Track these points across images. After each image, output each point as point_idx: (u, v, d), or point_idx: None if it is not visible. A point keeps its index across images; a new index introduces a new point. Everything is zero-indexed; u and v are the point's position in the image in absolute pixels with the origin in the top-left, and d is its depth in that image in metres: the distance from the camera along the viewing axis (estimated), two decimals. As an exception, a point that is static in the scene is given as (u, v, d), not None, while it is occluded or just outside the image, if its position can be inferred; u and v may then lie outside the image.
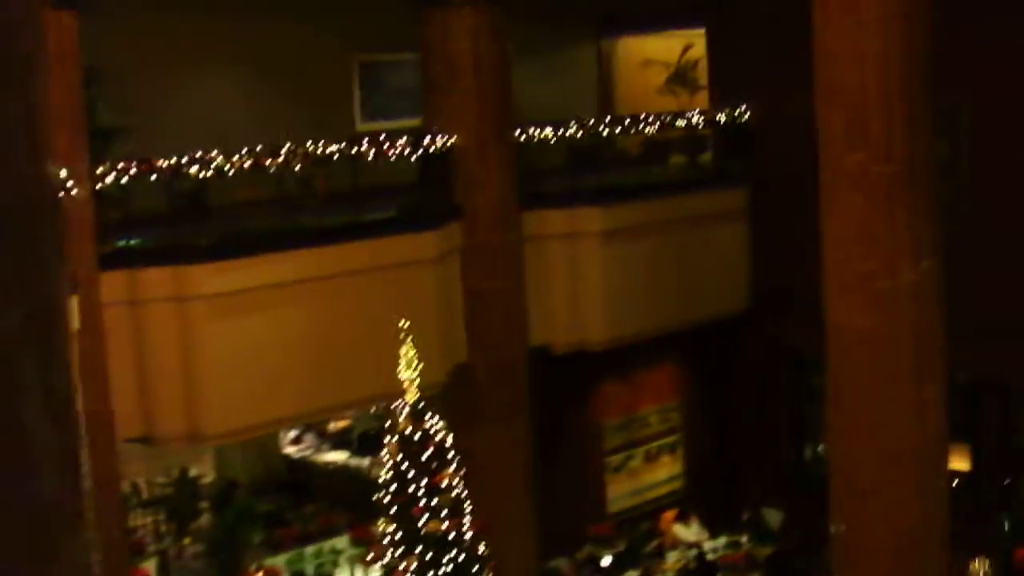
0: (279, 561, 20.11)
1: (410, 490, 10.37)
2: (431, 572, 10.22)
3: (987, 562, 16.86)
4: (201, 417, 15.90)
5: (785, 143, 19.51)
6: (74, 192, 13.71)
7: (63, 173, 13.37)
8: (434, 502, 10.35)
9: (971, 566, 16.69)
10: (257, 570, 19.71)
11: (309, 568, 19.93)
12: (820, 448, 21.14)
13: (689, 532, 20.35)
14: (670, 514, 20.91)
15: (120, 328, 15.17)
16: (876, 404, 13.89)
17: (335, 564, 20.06)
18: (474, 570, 10.48)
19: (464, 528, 10.50)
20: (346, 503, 22.36)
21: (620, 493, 21.56)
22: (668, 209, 20.30)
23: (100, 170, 15.02)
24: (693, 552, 19.78)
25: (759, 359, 21.57)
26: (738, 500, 21.36)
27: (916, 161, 13.54)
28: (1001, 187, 17.63)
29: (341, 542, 20.89)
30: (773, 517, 20.90)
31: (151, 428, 15.87)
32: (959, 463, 17.40)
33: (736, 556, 18.57)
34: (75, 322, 13.36)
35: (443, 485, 10.42)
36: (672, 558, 19.81)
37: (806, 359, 20.24)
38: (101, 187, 15.06)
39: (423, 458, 10.42)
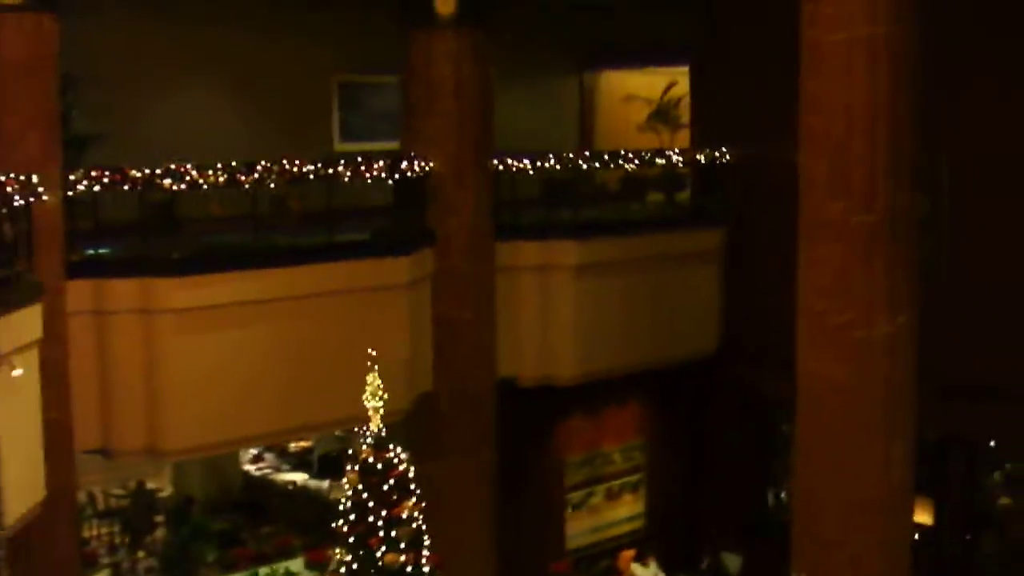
0: (232, 581, 19.87)
1: (369, 520, 10.13)
2: (386, 605, 10.03)
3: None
4: (162, 432, 15.65)
5: (765, 187, 19.45)
6: (45, 198, 13.50)
7: (35, 179, 13.17)
8: (393, 533, 10.12)
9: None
10: (209, 589, 19.46)
11: (262, 590, 19.67)
12: (783, 495, 21.03)
13: (647, 573, 20.14)
14: (629, 554, 20.68)
15: (85, 338, 14.95)
16: (844, 455, 13.78)
17: (289, 587, 19.80)
18: (430, 604, 10.27)
19: (422, 561, 10.28)
20: (303, 525, 22.09)
21: (580, 530, 21.36)
22: (643, 246, 20.17)
23: (72, 177, 14.80)
24: (650, 593, 19.60)
25: (726, 402, 21.44)
26: (698, 543, 21.20)
27: (897, 213, 13.46)
28: (978, 246, 17.54)
29: (296, 565, 20.62)
30: (732, 562, 20.75)
31: (110, 440, 15.62)
32: (922, 517, 17.29)
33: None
34: (39, 330, 13.17)
35: (403, 516, 10.19)
36: (629, 599, 19.61)
37: (774, 405, 20.13)
38: (72, 194, 14.84)
39: (383, 488, 10.18)
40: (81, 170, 15.05)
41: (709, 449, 21.86)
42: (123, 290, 15.18)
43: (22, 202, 13.03)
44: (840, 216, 13.46)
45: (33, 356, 13.09)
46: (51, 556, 14.25)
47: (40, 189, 13.32)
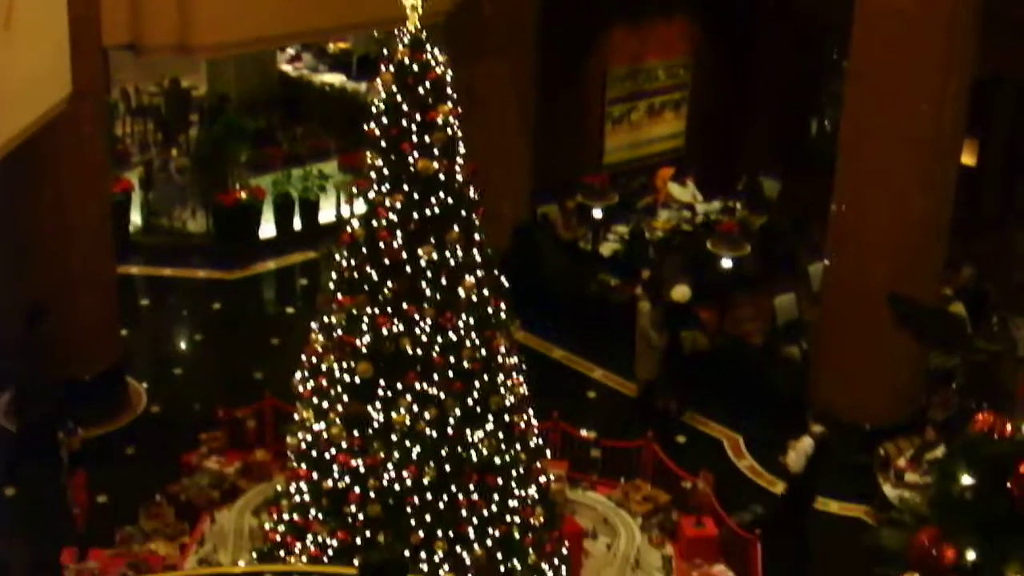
0: (264, 181, 19.79)
1: (402, 124, 9.73)
2: (417, 212, 9.72)
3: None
4: (192, 27, 15.12)
5: None
6: None
7: None
8: (426, 139, 9.72)
9: (962, 272, 16.38)
10: (241, 189, 19.39)
11: (294, 191, 19.60)
12: (827, 124, 20.59)
13: (684, 192, 19.94)
14: (666, 172, 20.45)
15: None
16: (899, 88, 13.27)
17: (322, 189, 19.73)
18: (463, 213, 9.96)
19: (456, 169, 9.93)
20: (338, 127, 21.93)
21: (618, 145, 21.06)
22: None
23: None
24: (686, 213, 19.43)
25: (778, 24, 20.70)
26: (736, 166, 20.87)
27: None
28: None
29: (329, 167, 20.54)
30: (770, 187, 20.49)
31: (140, 35, 15.10)
32: (966, 157, 16.80)
33: (730, 224, 18.19)
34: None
35: (438, 121, 9.76)
36: (664, 216, 19.47)
37: (829, 30, 19.44)
38: None
39: (419, 91, 9.73)
40: None
41: (756, 71, 21.27)
42: None
43: None
44: None
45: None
46: (78, 154, 14.04)
47: None
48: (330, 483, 9.85)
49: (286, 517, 10.25)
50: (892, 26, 13.21)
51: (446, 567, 9.72)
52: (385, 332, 9.63)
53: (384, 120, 9.78)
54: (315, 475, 9.97)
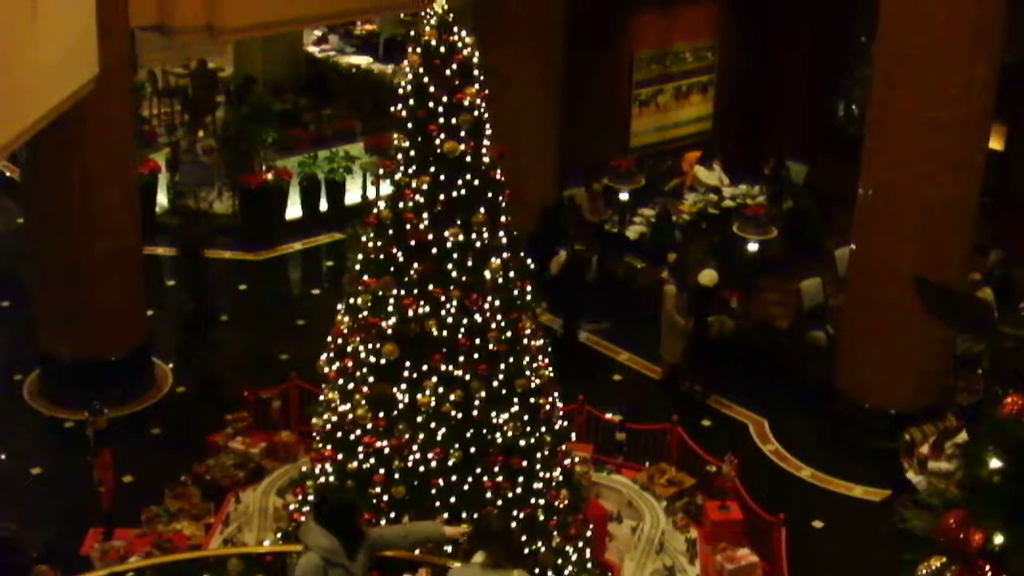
0: (291, 163, 19.81)
1: (429, 105, 9.71)
2: (443, 194, 9.70)
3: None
4: (219, 8, 15.14)
5: None
6: None
7: None
8: (453, 120, 9.71)
9: (990, 256, 16.27)
10: (268, 170, 19.41)
11: (320, 172, 19.61)
12: (854, 107, 20.49)
13: (711, 176, 19.90)
14: (693, 155, 20.41)
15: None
16: (927, 72, 13.17)
17: (348, 171, 19.74)
18: (489, 195, 9.94)
19: (482, 151, 9.91)
20: (364, 109, 21.96)
21: (645, 128, 20.99)
22: None
23: None
24: (713, 196, 19.38)
25: (805, 7, 20.59)
26: (763, 149, 20.79)
27: None
28: None
29: (356, 149, 20.55)
30: (797, 171, 20.42)
31: (168, 16, 15.11)
32: (994, 142, 16.70)
33: (757, 208, 18.14)
34: None
35: (464, 103, 9.74)
36: (690, 200, 19.44)
37: (857, 13, 19.36)
38: None
39: (446, 72, 9.71)
40: None
41: (782, 55, 21.17)
42: None
43: None
44: None
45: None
46: (105, 134, 14.07)
47: None
48: (355, 464, 9.85)
49: (311, 498, 10.26)
50: (920, 9, 13.14)
51: (470, 548, 9.72)
52: (411, 313, 9.62)
53: (411, 101, 9.76)
54: (340, 456, 9.97)
